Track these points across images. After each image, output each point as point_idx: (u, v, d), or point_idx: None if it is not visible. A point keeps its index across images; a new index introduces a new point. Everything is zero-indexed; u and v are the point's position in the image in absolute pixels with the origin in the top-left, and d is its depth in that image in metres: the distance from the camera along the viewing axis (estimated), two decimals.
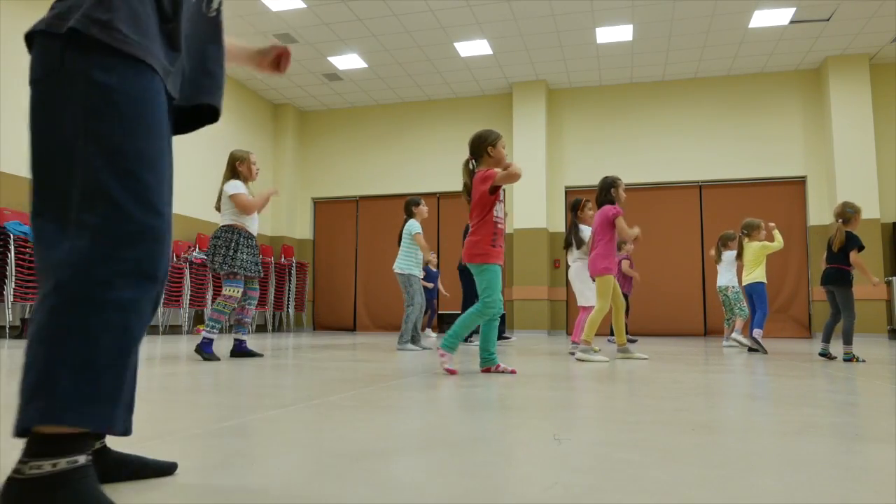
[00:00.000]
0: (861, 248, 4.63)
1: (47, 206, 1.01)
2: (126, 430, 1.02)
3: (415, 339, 5.82)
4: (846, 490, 1.14)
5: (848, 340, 4.56)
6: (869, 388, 2.84)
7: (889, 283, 9.17)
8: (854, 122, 9.46)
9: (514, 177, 3.26)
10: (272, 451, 1.42)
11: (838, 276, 4.68)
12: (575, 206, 5.36)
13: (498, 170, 3.37)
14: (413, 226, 5.79)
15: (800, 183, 10.09)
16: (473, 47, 9.43)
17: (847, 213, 4.71)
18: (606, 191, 4.60)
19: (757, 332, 5.49)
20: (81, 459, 0.94)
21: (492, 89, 11.11)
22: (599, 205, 4.67)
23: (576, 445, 1.51)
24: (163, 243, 1.03)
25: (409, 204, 5.93)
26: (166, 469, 1.22)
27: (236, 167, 4.28)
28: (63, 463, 0.91)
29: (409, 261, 5.76)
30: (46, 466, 0.90)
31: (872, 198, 9.29)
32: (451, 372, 3.27)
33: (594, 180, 10.64)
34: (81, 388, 0.93)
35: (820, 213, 9.78)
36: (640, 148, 10.57)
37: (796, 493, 1.11)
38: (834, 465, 1.33)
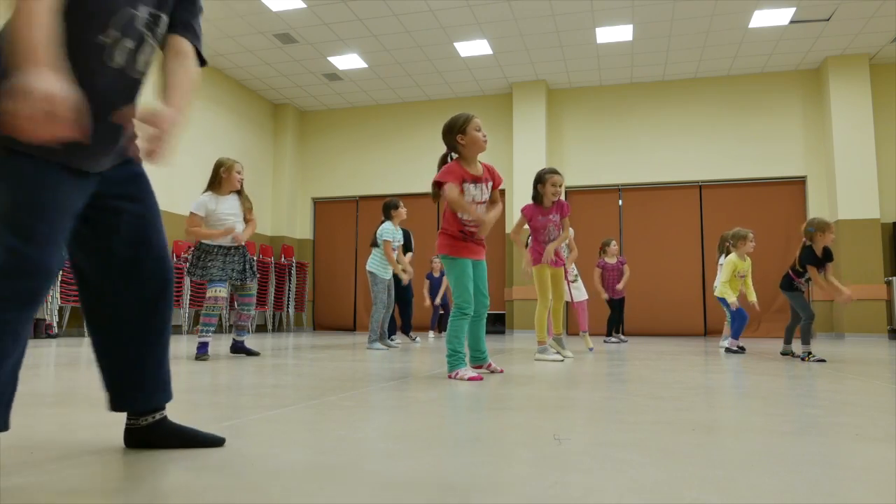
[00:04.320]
0: (816, 264, 4.63)
1: None
2: (4, 426, 1.19)
3: (382, 338, 5.89)
4: (846, 490, 1.14)
5: (805, 340, 4.70)
6: (869, 388, 2.84)
7: (889, 283, 9.17)
8: (854, 122, 9.46)
9: (456, 206, 3.18)
10: (272, 451, 1.42)
11: (785, 282, 4.90)
12: None
13: (452, 187, 3.13)
14: (384, 231, 5.82)
15: (800, 183, 10.09)
16: (473, 47, 9.43)
17: (808, 232, 4.70)
18: (534, 186, 4.48)
19: (730, 342, 5.55)
20: None
21: (492, 89, 11.11)
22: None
23: (576, 445, 1.51)
24: (47, 278, 1.19)
25: (388, 207, 5.97)
26: (214, 442, 1.44)
27: (220, 174, 4.29)
28: None
29: (374, 260, 5.84)
30: None
31: (872, 198, 9.29)
32: (476, 378, 3.01)
33: (594, 180, 10.71)
34: None
35: (820, 214, 9.77)
36: (640, 148, 10.57)
37: (796, 493, 1.11)
38: (834, 465, 1.33)
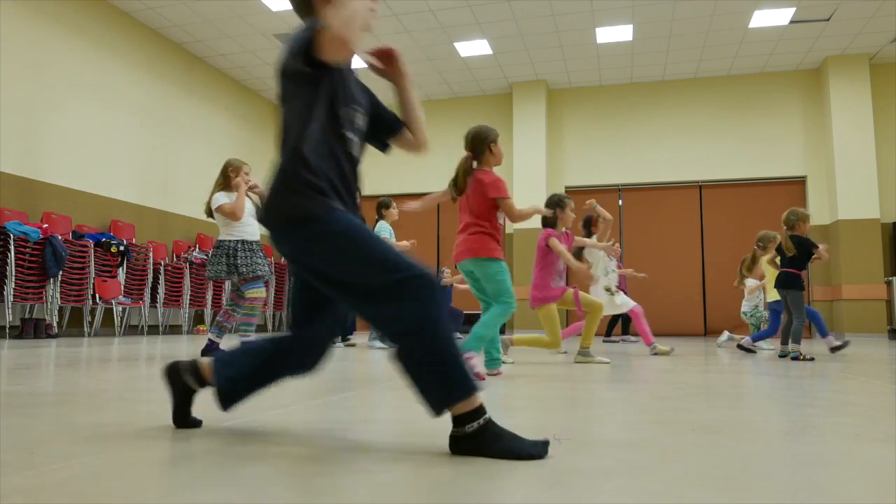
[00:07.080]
0: (813, 245, 4.81)
1: None
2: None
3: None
4: (846, 490, 1.14)
5: (796, 340, 4.71)
6: (869, 388, 2.84)
7: (889, 283, 9.17)
8: (854, 122, 9.46)
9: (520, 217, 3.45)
10: (272, 450, 1.42)
11: (788, 280, 4.87)
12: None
13: (508, 200, 3.32)
14: (382, 228, 5.80)
15: (800, 183, 10.09)
16: (473, 47, 9.43)
17: (790, 221, 4.86)
18: (552, 210, 4.19)
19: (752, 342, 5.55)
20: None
21: (492, 89, 11.11)
22: (544, 226, 4.24)
23: (576, 445, 1.51)
24: None
25: (380, 206, 5.93)
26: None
27: (228, 174, 4.30)
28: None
29: None
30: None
31: (872, 198, 9.29)
32: (480, 377, 3.03)
33: (594, 180, 10.71)
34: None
35: (820, 214, 9.78)
36: (640, 148, 10.57)
37: (796, 493, 1.11)
38: (834, 465, 1.33)
